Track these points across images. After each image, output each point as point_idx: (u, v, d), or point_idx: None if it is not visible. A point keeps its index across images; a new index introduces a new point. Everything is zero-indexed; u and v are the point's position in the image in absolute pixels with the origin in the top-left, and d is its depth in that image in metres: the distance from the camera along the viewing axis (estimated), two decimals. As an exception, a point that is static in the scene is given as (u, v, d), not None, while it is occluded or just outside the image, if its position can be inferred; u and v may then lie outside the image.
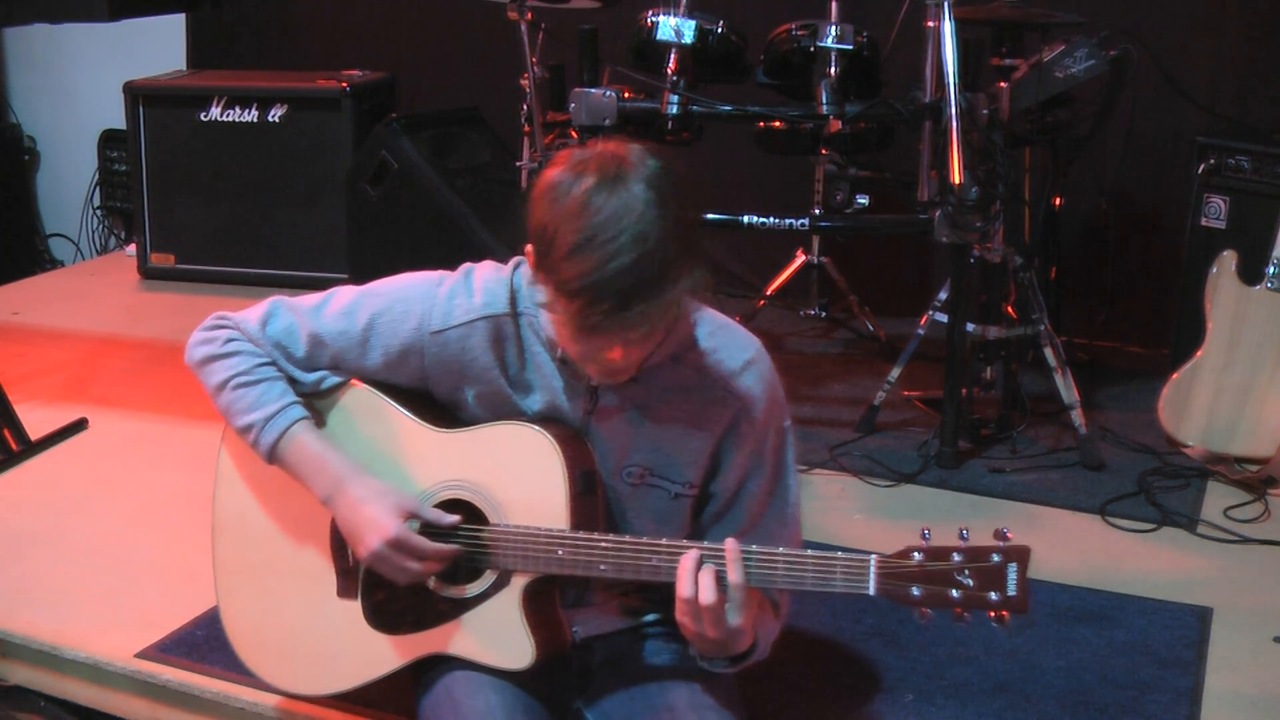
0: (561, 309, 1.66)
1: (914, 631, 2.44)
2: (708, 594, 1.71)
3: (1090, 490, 3.15)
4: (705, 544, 1.75)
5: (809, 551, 1.73)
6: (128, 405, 3.62)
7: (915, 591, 1.67)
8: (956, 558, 1.65)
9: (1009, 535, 1.66)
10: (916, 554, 1.67)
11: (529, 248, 1.71)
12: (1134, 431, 3.44)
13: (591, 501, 1.85)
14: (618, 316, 1.62)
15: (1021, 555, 1.64)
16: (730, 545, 1.73)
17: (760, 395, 1.88)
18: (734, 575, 1.72)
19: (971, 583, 1.65)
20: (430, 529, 1.87)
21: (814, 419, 3.54)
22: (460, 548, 1.86)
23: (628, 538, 1.79)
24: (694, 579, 1.72)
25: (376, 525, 1.83)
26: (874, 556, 1.69)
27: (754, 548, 1.74)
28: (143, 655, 2.38)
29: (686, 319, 1.85)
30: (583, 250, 1.61)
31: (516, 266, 1.90)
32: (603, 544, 1.79)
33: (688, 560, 1.73)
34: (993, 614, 1.65)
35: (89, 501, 3.04)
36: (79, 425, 3.44)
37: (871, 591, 1.69)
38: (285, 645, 2.04)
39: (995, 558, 1.64)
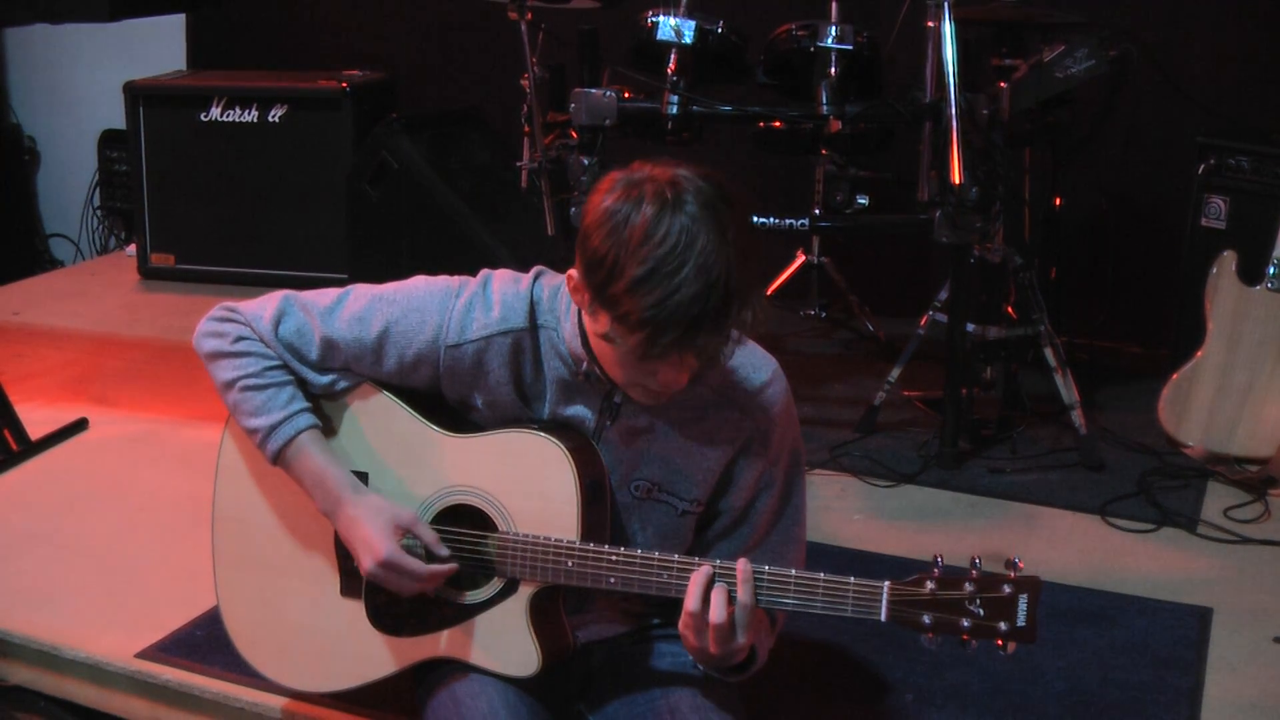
0: (622, 340, 1.65)
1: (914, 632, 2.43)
2: (717, 613, 1.71)
3: (1090, 490, 3.14)
4: (718, 562, 1.74)
5: (820, 575, 1.72)
6: (128, 405, 3.62)
7: (926, 619, 1.67)
8: (968, 587, 1.65)
9: (1020, 565, 1.66)
10: (929, 582, 1.67)
11: (573, 272, 1.70)
12: (1134, 431, 3.44)
13: (600, 510, 1.85)
14: (681, 347, 1.62)
15: (1033, 586, 1.64)
16: (742, 565, 1.72)
17: (776, 416, 1.88)
18: (744, 596, 1.72)
19: (982, 612, 1.65)
20: (437, 529, 1.87)
21: (814, 419, 3.54)
22: (456, 566, 1.86)
23: (639, 553, 1.78)
24: (704, 596, 1.72)
25: (369, 546, 1.83)
26: (887, 584, 1.69)
27: (765, 569, 1.73)
28: (143, 655, 2.38)
29: None
30: (647, 283, 1.59)
31: (536, 277, 1.89)
32: (612, 557, 1.79)
33: (700, 576, 1.73)
34: (1000, 641, 1.65)
35: (89, 501, 3.04)
36: (79, 425, 3.44)
37: (883, 618, 1.69)
38: (285, 641, 2.04)
39: (1007, 588, 1.64)
